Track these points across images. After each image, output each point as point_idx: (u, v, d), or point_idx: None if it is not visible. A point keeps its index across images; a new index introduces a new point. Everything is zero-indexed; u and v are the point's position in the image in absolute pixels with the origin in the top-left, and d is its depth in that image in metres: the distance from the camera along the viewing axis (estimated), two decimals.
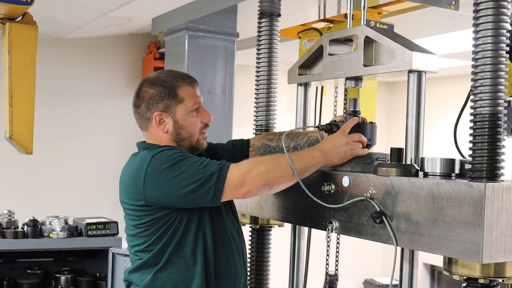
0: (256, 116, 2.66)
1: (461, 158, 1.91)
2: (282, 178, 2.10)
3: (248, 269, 2.69)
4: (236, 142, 2.60)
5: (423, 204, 1.76)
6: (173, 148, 2.29)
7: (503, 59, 1.75)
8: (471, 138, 1.78)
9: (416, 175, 1.88)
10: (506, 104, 1.78)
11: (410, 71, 1.93)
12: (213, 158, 2.54)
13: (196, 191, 2.14)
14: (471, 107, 1.79)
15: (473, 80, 1.78)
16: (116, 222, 3.95)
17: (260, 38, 2.62)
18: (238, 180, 2.12)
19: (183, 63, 4.35)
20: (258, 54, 2.64)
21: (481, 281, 1.73)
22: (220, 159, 2.47)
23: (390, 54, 2.01)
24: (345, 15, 2.64)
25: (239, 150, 2.55)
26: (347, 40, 2.27)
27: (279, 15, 2.61)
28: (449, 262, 1.79)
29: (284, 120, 4.21)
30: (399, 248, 1.87)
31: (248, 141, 2.57)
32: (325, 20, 3.97)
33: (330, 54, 2.24)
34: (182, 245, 2.22)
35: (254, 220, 2.63)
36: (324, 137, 2.39)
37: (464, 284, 1.79)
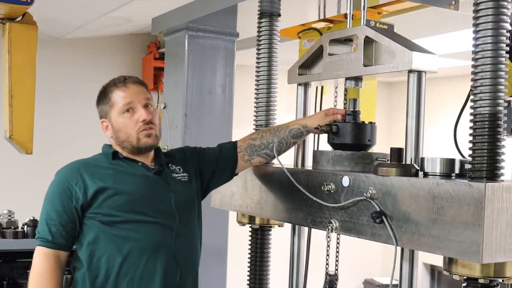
0: (256, 116, 2.66)
1: (461, 158, 1.91)
2: None
3: (248, 269, 2.69)
4: (224, 144, 2.63)
5: (423, 204, 1.76)
6: (57, 180, 2.43)
7: (503, 59, 1.75)
8: (471, 138, 1.78)
9: (416, 175, 1.88)
10: (506, 104, 1.78)
11: (410, 71, 1.93)
12: (200, 161, 2.59)
13: None
14: (471, 107, 1.79)
15: (473, 80, 1.78)
16: None
17: (260, 38, 2.62)
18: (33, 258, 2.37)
19: (183, 63, 4.35)
20: (258, 54, 2.64)
21: (481, 281, 1.74)
22: (207, 162, 2.55)
23: (390, 54, 2.01)
24: (345, 15, 2.64)
25: (226, 152, 2.58)
26: (347, 40, 2.27)
27: (279, 15, 2.61)
28: (449, 262, 1.79)
29: (284, 120, 4.21)
30: (399, 248, 1.87)
31: (235, 142, 2.59)
32: (325, 20, 3.97)
33: (330, 54, 2.24)
34: None
35: (254, 220, 2.63)
36: (306, 126, 2.40)
37: (464, 284, 1.79)
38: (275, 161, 2.46)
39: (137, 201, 2.38)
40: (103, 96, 2.48)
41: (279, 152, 2.44)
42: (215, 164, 2.57)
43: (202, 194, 2.60)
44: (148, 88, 2.59)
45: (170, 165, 2.58)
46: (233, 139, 4.37)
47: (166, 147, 4.44)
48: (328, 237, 2.09)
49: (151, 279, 2.36)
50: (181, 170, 2.60)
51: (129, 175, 2.43)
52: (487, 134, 1.74)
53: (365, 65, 2.08)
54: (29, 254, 3.87)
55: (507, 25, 1.75)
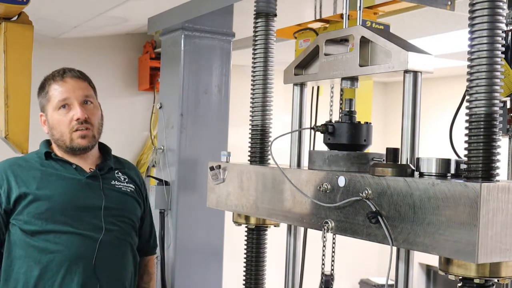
0: (252, 116, 2.66)
1: (456, 158, 1.91)
2: None
3: (244, 269, 2.69)
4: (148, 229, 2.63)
5: (419, 204, 1.76)
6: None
7: (499, 59, 1.75)
8: (466, 138, 1.79)
9: (412, 175, 1.88)
10: (501, 104, 1.79)
11: (406, 71, 1.93)
12: (138, 193, 2.51)
13: None
14: (467, 107, 1.79)
15: (468, 80, 1.78)
16: None
17: (256, 38, 2.61)
18: None
19: (179, 63, 4.35)
20: (254, 54, 2.64)
21: (476, 281, 1.74)
22: (144, 197, 2.52)
23: (386, 54, 2.02)
24: (341, 15, 2.64)
25: (142, 230, 2.60)
26: (343, 40, 2.27)
27: (275, 15, 2.61)
28: (444, 262, 1.79)
29: (280, 120, 4.20)
30: (394, 248, 1.87)
31: (148, 246, 2.65)
32: (321, 20, 3.97)
33: (326, 54, 2.25)
34: None
35: (250, 220, 2.63)
36: None
37: (459, 284, 1.79)
38: (271, 161, 2.46)
39: (58, 209, 2.22)
40: (42, 88, 2.34)
41: None
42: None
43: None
44: (92, 83, 2.39)
45: (116, 171, 2.44)
46: (229, 139, 4.37)
47: (162, 147, 4.44)
48: (324, 237, 2.08)
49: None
50: (127, 180, 2.46)
51: (57, 179, 2.27)
52: (482, 134, 1.75)
53: (361, 65, 2.08)
54: None
55: (503, 26, 1.75)
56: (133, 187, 2.48)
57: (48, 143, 2.41)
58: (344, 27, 2.25)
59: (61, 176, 2.30)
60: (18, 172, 2.26)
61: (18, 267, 2.22)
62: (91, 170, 2.38)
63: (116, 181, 2.43)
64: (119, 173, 2.47)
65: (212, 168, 2.62)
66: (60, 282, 2.22)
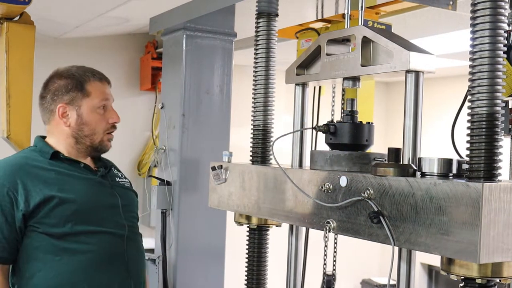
0: (254, 116, 2.66)
1: (458, 158, 1.91)
2: None
3: (246, 269, 2.69)
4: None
5: (421, 204, 1.76)
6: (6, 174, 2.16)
7: (501, 59, 1.75)
8: (468, 138, 1.79)
9: (414, 175, 1.88)
10: (503, 104, 1.78)
11: (407, 71, 1.93)
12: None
13: None
14: (469, 107, 1.79)
15: (470, 80, 1.78)
16: None
17: (258, 38, 2.61)
18: None
19: (180, 63, 4.35)
20: (255, 54, 2.64)
21: (478, 281, 1.74)
22: None
23: (387, 54, 2.01)
24: (343, 15, 2.64)
25: None
26: (345, 40, 2.27)
27: (277, 15, 2.61)
28: (446, 262, 1.79)
29: (282, 120, 4.21)
30: (396, 248, 1.87)
31: None
32: (323, 20, 3.97)
33: (327, 54, 2.25)
34: None
35: (251, 220, 2.63)
36: None
37: (461, 284, 1.79)
38: (272, 161, 2.46)
39: (85, 210, 2.21)
40: (77, 82, 2.30)
41: None
42: None
43: None
44: None
45: (112, 168, 2.47)
46: (231, 139, 4.38)
47: (164, 147, 4.44)
48: (326, 237, 2.08)
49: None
50: (123, 176, 2.50)
51: (74, 179, 2.25)
52: (484, 134, 1.74)
53: (362, 65, 2.08)
54: None
55: (505, 25, 1.75)
56: (128, 180, 2.50)
57: (43, 139, 2.36)
58: (346, 27, 2.25)
59: (76, 176, 2.28)
60: (32, 173, 2.20)
61: (46, 272, 2.16)
62: (96, 168, 2.39)
63: (118, 178, 2.45)
64: (115, 170, 2.49)
65: (214, 168, 2.62)
66: (99, 282, 2.20)
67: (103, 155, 2.49)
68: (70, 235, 2.18)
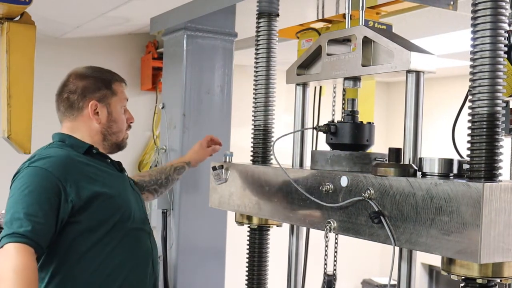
0: (255, 116, 2.66)
1: (459, 158, 1.91)
2: None
3: (247, 269, 2.69)
4: None
5: (421, 204, 1.76)
6: (44, 171, 2.16)
7: (501, 59, 1.75)
8: (469, 138, 1.79)
9: (414, 175, 1.88)
10: (504, 104, 1.78)
11: (408, 71, 1.93)
12: None
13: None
14: (469, 107, 1.79)
15: (471, 80, 1.78)
16: None
17: (259, 38, 2.62)
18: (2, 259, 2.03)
19: (181, 63, 4.35)
20: (256, 54, 2.64)
21: (479, 281, 1.74)
22: None
23: (388, 54, 2.02)
24: (344, 15, 2.64)
25: None
26: (346, 40, 2.27)
27: (278, 15, 2.61)
28: (447, 262, 1.79)
29: (283, 120, 4.22)
30: (397, 248, 1.87)
31: None
32: (323, 20, 3.97)
33: (328, 54, 2.25)
34: None
35: (252, 220, 2.63)
36: (189, 163, 2.49)
37: (462, 284, 1.79)
38: (273, 161, 2.46)
39: (123, 206, 2.28)
40: (105, 81, 2.39)
41: (166, 187, 2.54)
42: None
43: None
44: None
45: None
46: (232, 140, 4.37)
47: (165, 147, 4.44)
48: (327, 237, 2.09)
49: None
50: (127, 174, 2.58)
51: (109, 175, 2.32)
52: (485, 134, 1.75)
53: (363, 65, 2.08)
54: None
55: (505, 26, 1.75)
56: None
57: (72, 136, 2.37)
58: (346, 27, 2.25)
59: (110, 172, 2.36)
60: (79, 169, 2.23)
61: (86, 265, 2.20)
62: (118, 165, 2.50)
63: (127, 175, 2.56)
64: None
65: (214, 168, 2.62)
66: (135, 277, 2.27)
67: (121, 155, 2.59)
68: (112, 232, 2.25)
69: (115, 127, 2.40)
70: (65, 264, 2.19)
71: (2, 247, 2.03)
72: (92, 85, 2.38)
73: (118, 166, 2.47)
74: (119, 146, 2.44)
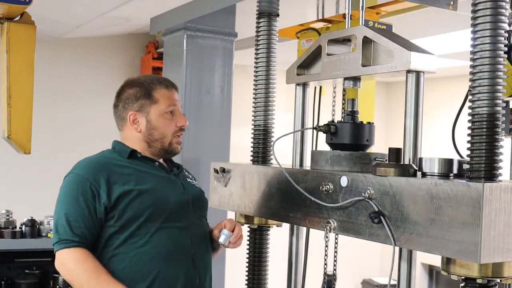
0: (255, 116, 2.66)
1: (459, 158, 1.91)
2: None
3: (247, 269, 2.69)
4: None
5: (421, 204, 1.76)
6: (79, 177, 2.34)
7: (501, 59, 1.75)
8: (469, 138, 1.79)
9: (414, 175, 1.88)
10: (504, 104, 1.78)
11: (408, 71, 1.94)
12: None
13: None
14: (469, 107, 1.79)
15: (471, 80, 1.78)
16: None
17: (259, 38, 2.62)
18: (59, 265, 2.28)
19: (181, 63, 4.35)
20: (256, 54, 2.64)
21: (479, 281, 1.74)
22: None
23: (388, 54, 2.02)
24: (344, 15, 2.64)
25: None
26: (346, 40, 2.27)
27: (278, 15, 2.61)
28: (447, 262, 1.79)
29: (283, 120, 4.21)
30: (397, 248, 1.87)
31: None
32: (323, 20, 3.97)
33: (328, 54, 2.25)
34: None
35: (252, 220, 2.63)
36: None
37: (462, 284, 1.79)
38: (273, 161, 2.46)
39: (159, 203, 2.35)
40: (145, 90, 2.46)
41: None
42: None
43: None
44: None
45: (184, 170, 2.61)
46: (232, 140, 4.37)
47: None
48: (327, 237, 2.09)
49: (174, 283, 2.34)
50: (193, 177, 2.65)
51: (150, 176, 2.40)
52: (485, 134, 1.75)
53: (363, 65, 2.09)
54: (27, 254, 3.90)
55: (505, 25, 1.75)
56: (197, 183, 2.59)
57: (120, 143, 2.51)
58: (346, 27, 2.25)
59: (152, 173, 2.42)
60: (113, 169, 2.36)
61: (117, 263, 2.31)
62: (169, 168, 2.52)
63: (188, 179, 2.59)
64: (186, 172, 2.63)
65: (216, 171, 2.63)
66: (166, 273, 2.32)
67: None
68: (142, 228, 2.32)
69: (157, 134, 2.45)
70: (101, 261, 2.31)
71: (57, 251, 2.27)
72: (133, 95, 2.47)
73: (176, 168, 2.53)
74: (167, 151, 2.48)
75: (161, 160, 2.51)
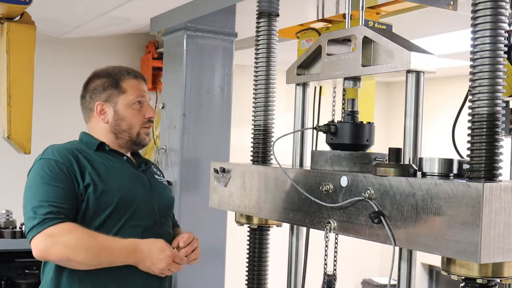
0: (255, 116, 2.66)
1: (459, 158, 1.91)
2: (82, 263, 2.20)
3: (247, 269, 2.69)
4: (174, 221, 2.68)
5: (421, 204, 1.76)
6: (54, 162, 2.29)
7: (501, 59, 1.75)
8: (469, 138, 1.79)
9: (414, 175, 1.88)
10: (504, 104, 1.78)
11: (408, 71, 1.93)
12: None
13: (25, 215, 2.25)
14: (469, 107, 1.79)
15: (471, 80, 1.78)
16: None
17: (259, 38, 2.61)
18: (50, 244, 2.17)
19: (181, 63, 4.35)
20: (256, 54, 2.64)
21: (479, 281, 1.74)
22: None
23: (388, 54, 2.01)
24: (344, 15, 2.64)
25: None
26: (346, 40, 2.27)
27: (278, 15, 2.61)
28: (447, 262, 1.79)
29: (283, 120, 4.21)
30: (397, 248, 1.87)
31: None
32: (323, 20, 3.97)
33: (328, 54, 2.25)
34: None
35: (252, 220, 2.63)
36: None
37: (462, 284, 1.79)
38: (273, 161, 2.46)
39: (124, 202, 2.31)
40: (113, 81, 2.44)
41: None
42: None
43: None
44: None
45: (152, 166, 2.58)
46: (232, 140, 4.36)
47: (165, 147, 4.45)
48: (327, 237, 2.08)
49: (134, 283, 2.30)
50: (161, 174, 2.62)
51: (117, 171, 2.37)
52: (485, 134, 1.74)
53: (363, 65, 2.08)
54: (27, 254, 3.89)
55: (505, 26, 1.75)
56: (166, 180, 2.58)
57: (88, 134, 2.48)
58: (346, 27, 2.25)
59: (119, 168, 2.39)
60: (82, 159, 2.32)
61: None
62: (137, 163, 2.50)
63: (156, 176, 2.57)
64: (154, 168, 2.62)
65: (216, 171, 2.63)
66: (125, 276, 2.28)
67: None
68: (107, 222, 2.29)
69: (124, 125, 2.43)
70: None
71: (40, 232, 2.17)
72: (100, 86, 2.45)
73: (144, 164, 2.50)
74: (135, 142, 2.45)
75: (129, 154, 2.49)
